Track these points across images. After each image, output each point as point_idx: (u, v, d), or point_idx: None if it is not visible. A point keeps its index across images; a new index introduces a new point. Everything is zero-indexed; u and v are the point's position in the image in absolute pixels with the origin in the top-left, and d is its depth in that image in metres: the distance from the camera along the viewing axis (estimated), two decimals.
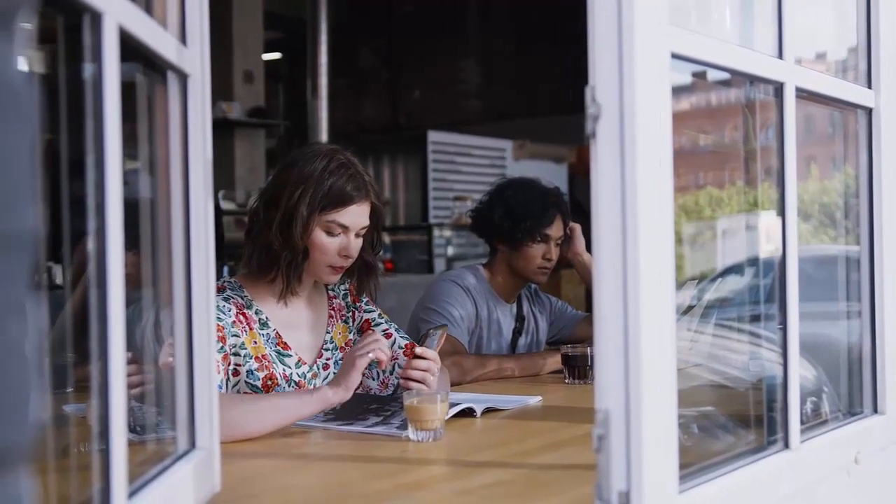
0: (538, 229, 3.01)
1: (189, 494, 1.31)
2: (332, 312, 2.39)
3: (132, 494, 1.11)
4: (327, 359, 2.34)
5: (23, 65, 0.58)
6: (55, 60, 1.06)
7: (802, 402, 1.63)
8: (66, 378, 1.45)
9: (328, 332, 2.36)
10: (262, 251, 2.22)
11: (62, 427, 1.44)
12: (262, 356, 2.20)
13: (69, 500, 1.15)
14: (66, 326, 1.95)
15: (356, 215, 2.22)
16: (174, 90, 1.36)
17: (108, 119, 1.02)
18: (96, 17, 1.01)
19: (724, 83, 1.75)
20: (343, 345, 2.38)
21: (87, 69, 1.03)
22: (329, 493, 1.58)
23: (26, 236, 0.57)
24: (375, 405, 2.15)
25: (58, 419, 1.41)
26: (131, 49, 1.13)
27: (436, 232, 7.62)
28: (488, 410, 2.20)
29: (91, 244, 1.03)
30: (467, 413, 2.13)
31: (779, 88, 1.53)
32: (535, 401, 2.37)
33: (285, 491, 1.61)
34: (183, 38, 1.36)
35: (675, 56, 1.26)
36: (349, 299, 2.43)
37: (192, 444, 1.39)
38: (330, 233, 2.21)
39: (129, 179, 1.11)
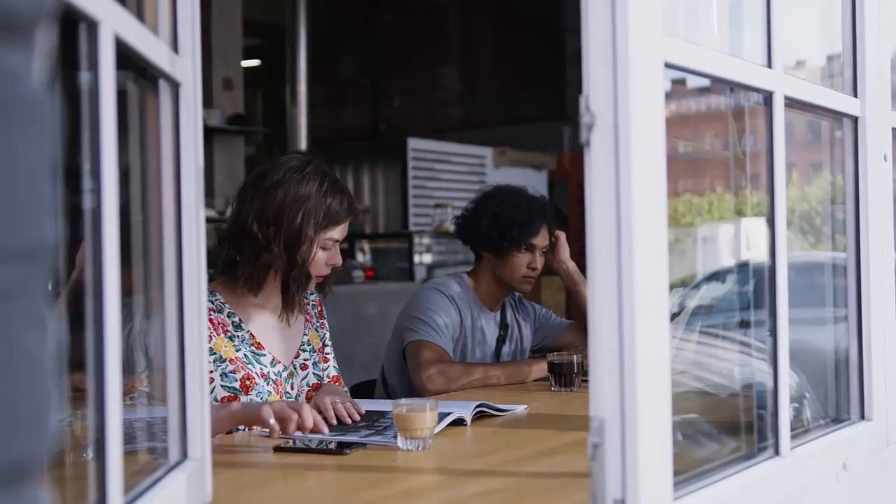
0: (524, 239, 3.01)
1: None
2: (308, 317, 2.47)
3: None
4: (305, 359, 2.41)
5: (42, 77, 0.58)
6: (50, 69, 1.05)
7: None
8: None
9: (305, 335, 2.43)
10: (262, 270, 2.27)
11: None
12: (236, 358, 2.24)
13: None
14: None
15: (345, 229, 2.35)
16: (166, 98, 1.36)
17: (104, 127, 1.02)
18: (92, 26, 1.00)
19: (703, 90, 1.76)
20: (317, 349, 2.46)
21: (83, 77, 1.03)
22: (321, 502, 1.57)
23: (45, 247, 0.56)
24: (366, 422, 2.13)
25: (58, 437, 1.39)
26: (123, 57, 1.12)
27: (416, 239, 7.61)
28: (479, 414, 2.20)
29: (86, 252, 1.02)
30: (456, 422, 2.12)
31: (768, 97, 1.54)
32: (521, 409, 2.37)
33: (276, 501, 1.60)
34: (175, 47, 1.36)
35: (668, 65, 1.27)
36: (316, 311, 2.52)
37: (184, 455, 1.38)
38: (324, 248, 2.30)
39: (119, 187, 1.11)
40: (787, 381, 1.56)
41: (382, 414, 2.20)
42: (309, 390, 2.38)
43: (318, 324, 2.50)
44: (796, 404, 1.83)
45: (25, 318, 0.54)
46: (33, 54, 0.56)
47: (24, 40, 0.55)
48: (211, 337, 2.21)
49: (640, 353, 1.17)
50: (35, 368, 0.55)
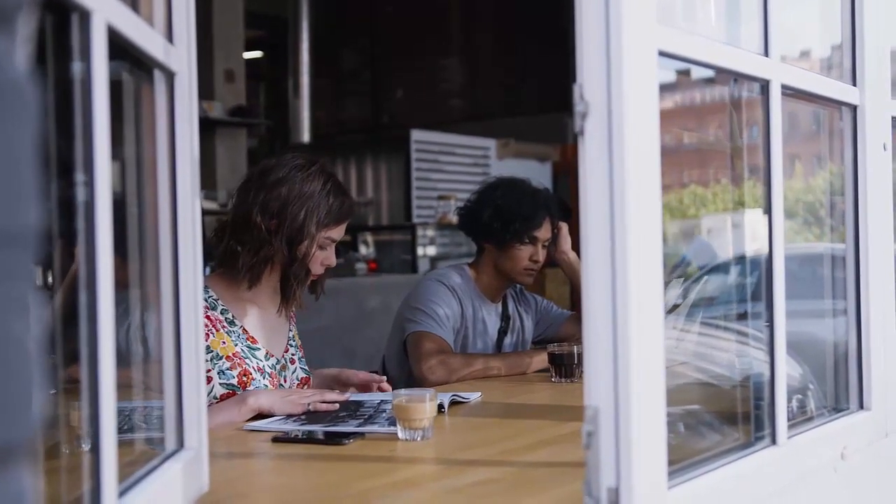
0: (527, 231, 3.00)
1: (178, 494, 1.31)
2: (292, 315, 2.51)
3: (122, 494, 1.11)
4: (292, 354, 2.47)
5: (24, 63, 0.58)
6: (41, 58, 1.05)
7: (788, 400, 1.63)
8: (51, 379, 1.45)
9: (291, 331, 2.48)
10: (262, 263, 2.29)
11: (46, 428, 1.43)
12: (234, 354, 2.28)
13: (58, 500, 1.15)
14: (52, 327, 1.95)
15: (343, 230, 2.39)
16: (161, 89, 1.36)
17: (96, 118, 1.02)
18: (85, 16, 1.00)
19: (709, 81, 1.75)
20: (299, 345, 2.51)
21: (75, 67, 1.03)
22: (318, 492, 1.57)
23: (29, 233, 0.57)
24: (345, 413, 2.13)
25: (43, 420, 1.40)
26: (118, 47, 1.12)
27: (419, 231, 7.61)
28: (454, 403, 2.25)
29: (80, 245, 1.02)
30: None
31: (765, 86, 1.54)
32: (475, 396, 2.39)
33: (274, 490, 1.61)
34: (170, 37, 1.36)
35: (662, 54, 1.27)
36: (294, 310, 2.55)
37: (181, 444, 1.38)
38: (321, 247, 2.34)
39: (113, 179, 1.11)
40: (784, 370, 1.56)
41: (360, 403, 2.22)
42: (298, 384, 2.41)
43: (296, 322, 2.55)
44: (800, 395, 1.83)
45: (9, 303, 0.55)
46: (15, 41, 0.56)
47: (6, 27, 0.55)
48: (209, 335, 2.23)
49: (634, 341, 1.17)
50: (18, 352, 0.55)
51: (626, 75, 1.17)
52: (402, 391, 1.97)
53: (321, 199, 2.30)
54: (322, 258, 2.35)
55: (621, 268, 1.17)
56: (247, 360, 2.27)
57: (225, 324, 2.29)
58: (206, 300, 2.28)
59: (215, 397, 2.21)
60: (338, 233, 2.36)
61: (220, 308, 2.30)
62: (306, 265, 2.31)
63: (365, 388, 2.43)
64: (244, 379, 2.24)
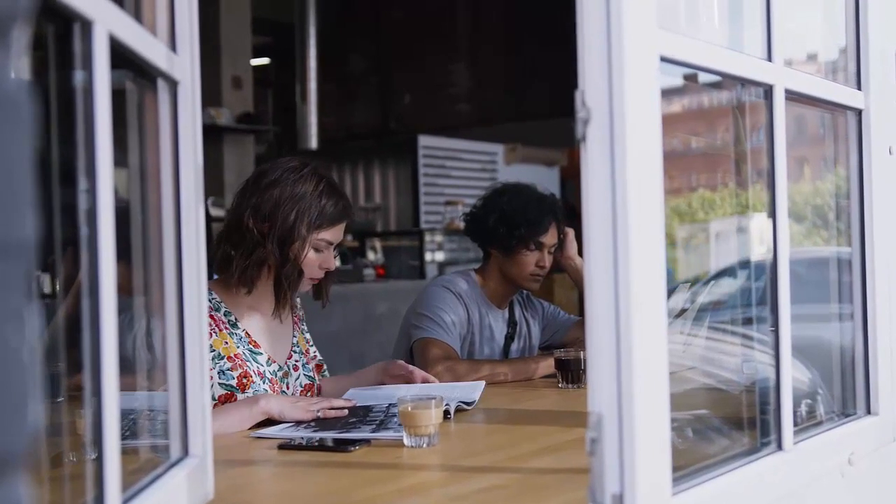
0: (533, 237, 3.00)
1: (182, 502, 1.31)
2: (296, 320, 2.52)
3: (126, 502, 1.11)
4: (296, 361, 2.46)
5: (20, 73, 0.58)
6: (44, 67, 1.06)
7: (797, 405, 1.63)
8: (57, 387, 1.45)
9: (294, 336, 2.48)
10: (255, 266, 2.30)
11: (53, 436, 1.44)
12: (235, 355, 2.28)
13: None
14: (58, 335, 1.96)
15: (341, 232, 2.38)
16: (164, 97, 1.36)
17: (99, 126, 1.02)
18: (87, 25, 1.01)
19: (715, 85, 1.75)
20: (304, 351, 2.50)
21: (77, 77, 1.03)
22: (324, 499, 1.57)
23: (24, 243, 0.57)
24: (355, 419, 2.13)
25: (49, 428, 1.40)
26: (121, 56, 1.13)
27: (427, 237, 7.61)
28: (459, 410, 2.25)
29: (83, 253, 1.03)
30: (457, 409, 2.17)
31: (768, 91, 1.54)
32: (479, 388, 2.42)
33: (279, 498, 1.61)
34: (173, 46, 1.36)
35: (664, 59, 1.27)
36: (301, 314, 2.56)
37: (186, 452, 1.38)
38: (317, 249, 2.33)
39: (118, 187, 1.11)
40: (790, 375, 1.55)
41: (369, 409, 2.22)
42: (302, 391, 2.41)
43: (303, 327, 2.55)
44: (808, 400, 1.82)
45: (5, 314, 0.55)
46: (10, 53, 0.57)
47: (1, 39, 0.55)
48: (211, 334, 2.24)
49: (637, 347, 1.17)
50: (13, 362, 0.55)
51: (628, 81, 1.17)
52: (408, 397, 1.96)
53: (313, 200, 2.29)
54: (319, 261, 2.34)
55: (623, 273, 1.17)
56: (248, 363, 2.28)
57: (228, 325, 2.30)
58: (210, 302, 2.29)
59: (214, 397, 2.21)
60: (332, 235, 2.34)
61: (223, 310, 2.31)
62: (298, 266, 2.30)
63: (407, 380, 2.47)
64: (244, 381, 2.25)
